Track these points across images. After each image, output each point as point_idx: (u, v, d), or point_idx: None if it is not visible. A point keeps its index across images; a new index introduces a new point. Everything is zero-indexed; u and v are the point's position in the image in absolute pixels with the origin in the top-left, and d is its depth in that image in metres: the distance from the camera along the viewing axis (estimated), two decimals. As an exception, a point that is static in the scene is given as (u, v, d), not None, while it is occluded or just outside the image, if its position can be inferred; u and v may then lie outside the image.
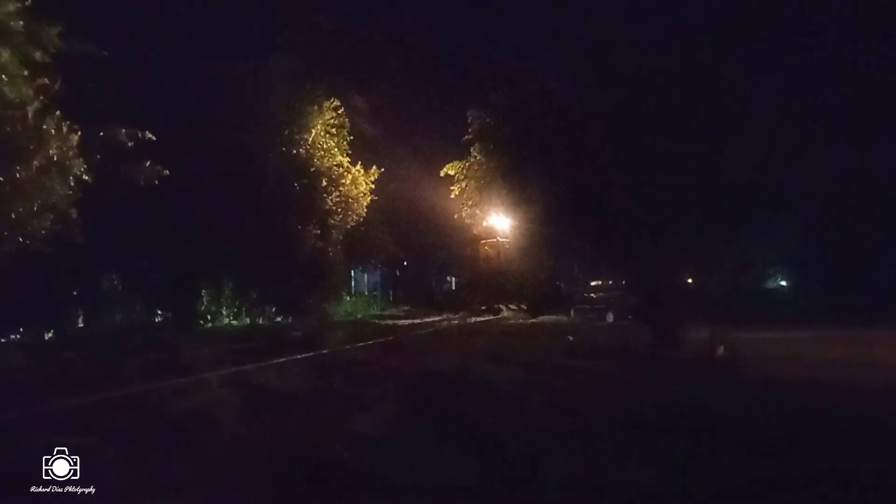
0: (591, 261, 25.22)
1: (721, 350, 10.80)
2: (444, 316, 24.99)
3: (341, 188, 20.47)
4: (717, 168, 13.48)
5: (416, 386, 7.47)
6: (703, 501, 4.03)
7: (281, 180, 18.08)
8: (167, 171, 11.87)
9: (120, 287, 15.36)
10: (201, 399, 6.07)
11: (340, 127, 20.69)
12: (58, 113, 9.13)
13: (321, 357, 9.70)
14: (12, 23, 8.25)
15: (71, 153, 9.27)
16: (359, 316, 23.67)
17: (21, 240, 8.88)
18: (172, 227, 14.60)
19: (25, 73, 8.63)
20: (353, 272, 28.22)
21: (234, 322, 18.14)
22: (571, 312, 25.42)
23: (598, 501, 4.07)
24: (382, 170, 21.90)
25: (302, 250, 18.69)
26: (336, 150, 20.44)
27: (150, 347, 10.94)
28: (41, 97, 9.01)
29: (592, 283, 26.29)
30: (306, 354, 9.75)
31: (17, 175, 8.62)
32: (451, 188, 26.55)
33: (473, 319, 22.65)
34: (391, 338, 14.03)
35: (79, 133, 9.43)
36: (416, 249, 28.62)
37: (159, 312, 16.32)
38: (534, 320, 21.92)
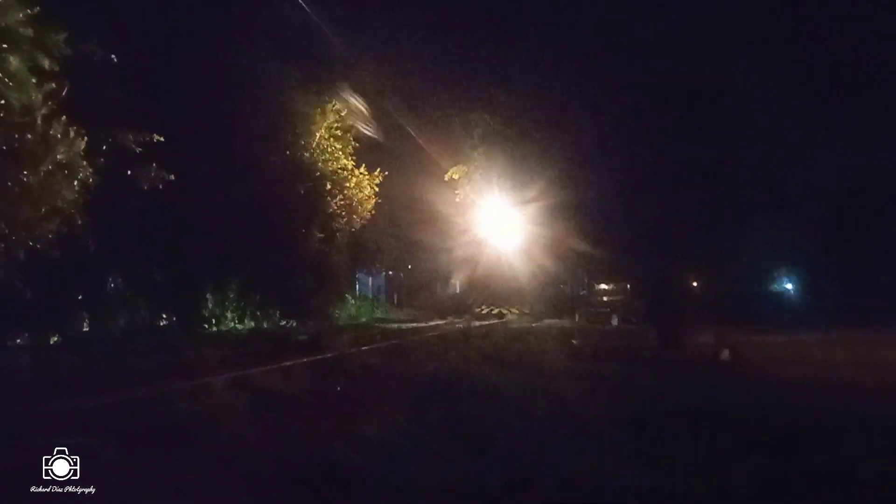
0: (595, 263, 25.23)
1: (726, 353, 10.80)
2: (449, 320, 24.99)
3: (346, 191, 20.51)
4: (722, 170, 13.50)
5: (420, 389, 7.48)
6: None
7: (285, 184, 18.12)
8: (172, 176, 11.92)
9: (125, 290, 15.39)
10: (206, 402, 6.08)
11: (345, 130, 20.74)
12: (64, 118, 9.19)
13: (326, 360, 9.71)
14: (21, 29, 8.31)
15: (78, 158, 9.32)
16: (363, 320, 23.67)
17: (31, 243, 8.93)
18: (177, 231, 14.65)
19: (33, 79, 8.69)
20: (357, 276, 28.25)
21: (238, 326, 18.16)
22: (576, 316, 25.41)
23: (601, 504, 4.08)
24: (386, 173, 21.94)
25: (306, 254, 18.72)
26: (340, 153, 20.48)
27: (154, 351, 10.96)
28: (49, 102, 9.08)
29: (601, 287, 26.29)
30: (311, 358, 9.75)
31: (25, 179, 8.68)
32: (456, 192, 26.63)
33: (478, 323, 22.63)
34: (396, 341, 14.03)
35: (85, 138, 9.49)
36: (421, 253, 28.62)
37: (164, 316, 16.35)
38: (538, 324, 21.88)
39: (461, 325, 21.53)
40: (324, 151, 19.90)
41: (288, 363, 9.15)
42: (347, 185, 20.61)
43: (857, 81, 18.20)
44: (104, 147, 10.45)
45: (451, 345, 13.68)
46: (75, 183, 9.56)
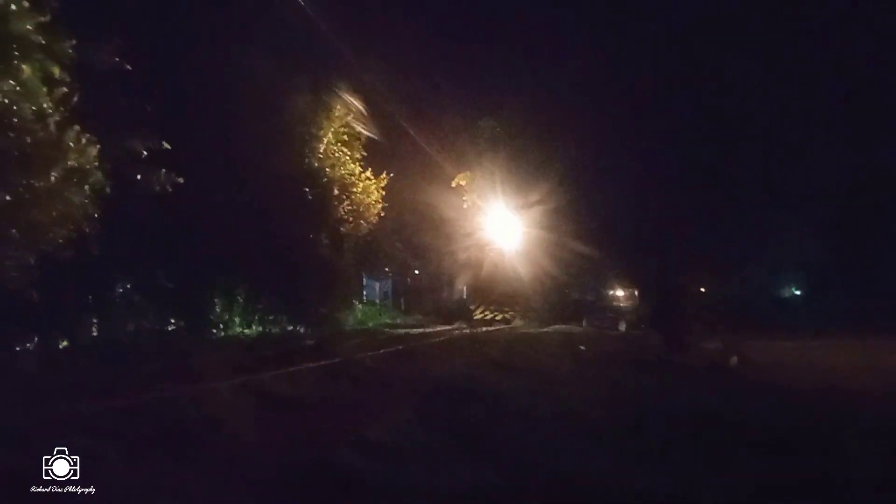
0: (602, 269, 25.20)
1: (733, 358, 10.77)
2: (456, 325, 24.97)
3: (353, 197, 20.56)
4: (729, 174, 13.48)
5: (427, 394, 7.50)
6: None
7: (293, 189, 18.19)
8: (181, 179, 11.98)
9: (132, 295, 15.45)
10: (212, 407, 6.12)
11: (352, 136, 20.80)
12: (76, 127, 9.28)
13: (334, 365, 9.74)
14: (32, 37, 8.40)
15: (89, 164, 9.40)
16: (370, 325, 23.68)
17: (42, 248, 9.00)
18: (185, 236, 14.70)
19: (45, 86, 8.78)
20: (364, 281, 28.28)
21: (246, 331, 18.21)
22: (583, 321, 25.37)
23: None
24: (391, 175, 22.00)
25: (314, 259, 18.76)
26: (348, 158, 20.54)
27: (162, 355, 11.01)
28: (61, 108, 9.17)
29: (608, 292, 26.21)
30: (319, 363, 9.79)
31: (37, 185, 8.76)
32: (464, 199, 26.68)
33: (484, 328, 22.63)
34: (403, 347, 14.04)
35: (97, 146, 9.58)
36: (428, 258, 28.63)
37: (171, 321, 16.39)
38: (545, 329, 21.85)
39: (468, 331, 21.53)
40: (331, 157, 19.96)
41: (295, 368, 9.19)
42: (355, 190, 20.67)
43: (866, 82, 18.06)
44: (114, 153, 10.53)
45: (457, 350, 13.69)
46: (86, 188, 9.64)
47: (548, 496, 4.23)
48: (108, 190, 10.10)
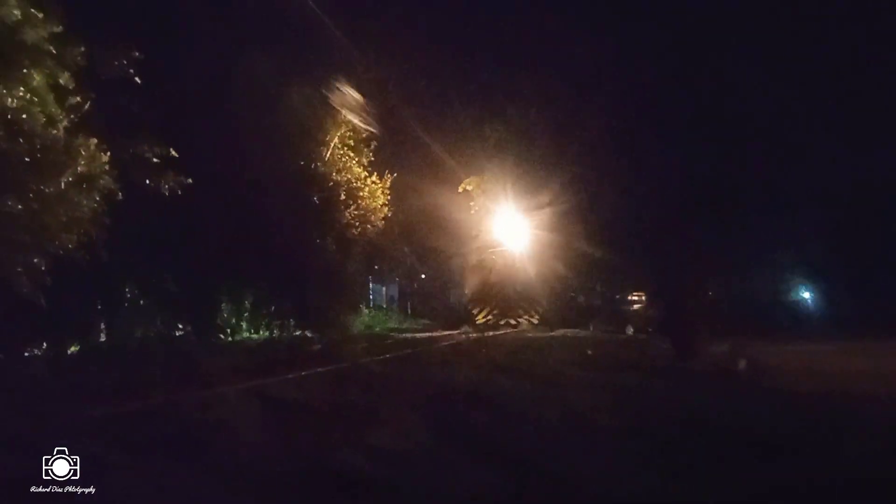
0: (609, 273, 25.13)
1: (742, 363, 10.71)
2: (462, 329, 24.95)
3: (359, 201, 20.60)
4: (738, 178, 13.43)
5: (434, 399, 7.50)
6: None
7: (300, 194, 18.24)
8: (190, 180, 12.04)
9: (141, 300, 15.51)
10: (219, 411, 6.15)
11: (358, 141, 20.86)
12: (85, 133, 9.36)
13: (341, 370, 9.76)
14: (43, 46, 8.49)
15: (99, 169, 9.48)
16: (377, 329, 23.71)
17: (52, 252, 9.07)
18: (192, 241, 14.76)
19: (55, 93, 8.87)
20: (371, 285, 28.30)
21: (253, 335, 18.26)
22: (590, 326, 25.31)
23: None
24: (399, 179, 22.05)
25: (321, 263, 18.80)
26: (354, 162, 20.59)
27: (170, 360, 11.06)
28: (71, 115, 9.26)
29: (616, 297, 26.13)
30: (327, 368, 9.82)
31: (47, 190, 8.84)
32: (471, 204, 26.66)
33: (491, 333, 22.61)
34: (410, 351, 14.06)
35: (108, 152, 9.65)
36: (434, 262, 28.65)
37: (179, 326, 16.46)
38: (552, 334, 21.82)
39: (475, 335, 21.51)
40: (337, 161, 20.02)
41: (302, 373, 9.22)
42: (361, 194, 20.71)
43: (875, 83, 17.90)
44: (123, 158, 10.60)
45: (464, 355, 13.69)
46: (95, 193, 9.71)
47: (555, 501, 4.22)
48: (118, 195, 10.18)
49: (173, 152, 11.58)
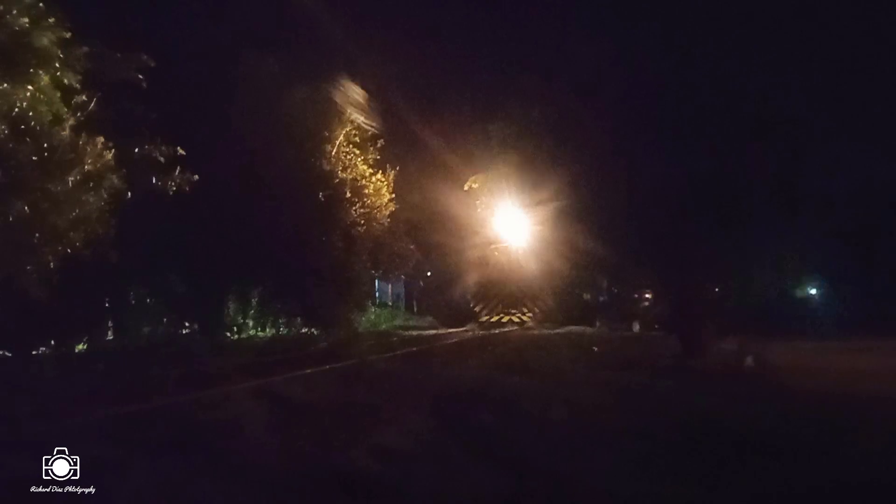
0: (615, 269, 25.04)
1: (749, 360, 10.66)
2: (469, 326, 24.95)
3: (365, 199, 20.62)
4: (745, 174, 13.34)
5: (440, 397, 7.49)
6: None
7: (305, 192, 18.26)
8: (196, 177, 12.06)
9: (148, 299, 15.57)
10: (225, 411, 6.16)
11: (363, 138, 20.87)
12: (91, 132, 9.40)
13: (347, 368, 9.77)
14: (51, 50, 8.53)
15: (106, 168, 9.52)
16: (383, 327, 23.74)
17: (59, 249, 9.11)
18: (199, 240, 14.81)
19: (62, 93, 8.91)
20: (377, 283, 28.31)
21: (259, 333, 18.31)
22: (597, 323, 25.25)
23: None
24: (404, 178, 22.05)
25: (327, 261, 18.82)
26: (359, 160, 20.60)
27: (177, 359, 11.10)
28: (78, 114, 9.30)
29: (621, 294, 26.03)
30: (333, 366, 9.83)
31: (54, 189, 8.88)
32: (477, 202, 26.64)
33: (497, 330, 22.60)
34: (416, 349, 14.07)
35: (112, 150, 9.69)
36: (440, 260, 28.64)
37: (186, 324, 16.52)
38: (558, 331, 21.79)
39: (480, 332, 21.52)
40: (342, 159, 20.03)
41: (309, 371, 9.23)
42: (366, 191, 20.73)
43: (886, 79, 17.71)
44: (130, 158, 10.64)
45: (470, 352, 13.69)
46: (103, 192, 9.75)
47: (561, 501, 4.21)
48: (125, 194, 10.22)
49: (180, 151, 11.61)
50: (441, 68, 25.70)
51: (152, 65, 10.34)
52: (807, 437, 5.43)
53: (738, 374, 10.13)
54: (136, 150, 10.75)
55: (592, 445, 5.44)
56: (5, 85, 8.28)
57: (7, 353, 10.82)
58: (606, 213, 15.37)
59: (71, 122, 9.30)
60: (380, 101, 21.11)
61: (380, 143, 21.96)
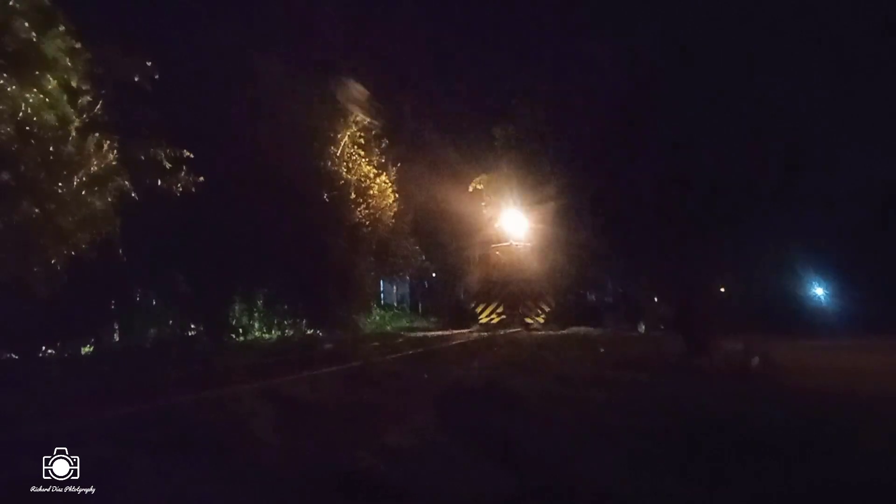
0: (621, 269, 25.00)
1: (755, 360, 10.61)
2: (474, 327, 24.92)
3: (370, 200, 20.65)
4: (750, 172, 13.30)
5: (447, 398, 7.48)
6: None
7: (311, 193, 18.31)
8: (202, 178, 12.11)
9: (154, 301, 15.63)
10: (231, 412, 6.16)
11: (368, 139, 20.91)
12: (97, 134, 9.45)
13: (353, 369, 9.77)
14: (59, 57, 8.59)
15: (111, 169, 9.57)
16: (388, 328, 23.74)
17: (65, 250, 9.16)
18: (205, 241, 14.85)
19: (67, 96, 8.96)
20: (382, 284, 28.34)
21: (265, 335, 18.34)
22: (602, 323, 25.19)
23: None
24: (403, 170, 22.11)
25: (332, 263, 18.85)
26: (364, 161, 20.63)
27: (184, 361, 11.13)
28: (83, 116, 9.35)
29: (626, 293, 25.99)
30: (338, 367, 9.83)
31: (60, 190, 8.92)
32: (482, 203, 26.66)
33: (503, 331, 22.57)
34: (421, 350, 14.06)
35: (118, 152, 9.74)
36: (445, 261, 28.65)
37: (192, 326, 16.56)
38: (564, 331, 21.75)
39: (486, 333, 21.49)
40: (347, 160, 20.07)
41: (315, 372, 9.24)
42: (371, 192, 20.76)
43: (887, 76, 17.57)
44: (136, 159, 10.69)
45: (476, 353, 13.66)
46: (108, 194, 9.80)
47: (568, 501, 4.20)
48: (131, 196, 10.27)
49: (186, 153, 11.66)
50: (445, 69, 25.75)
51: (156, 76, 10.40)
52: (810, 437, 5.41)
53: (744, 374, 10.08)
54: (142, 151, 10.81)
55: (597, 445, 5.42)
56: (12, 87, 8.33)
57: (13, 355, 10.87)
58: (610, 213, 15.36)
59: (77, 123, 9.35)
60: (384, 102, 21.16)
61: (384, 143, 22.02)
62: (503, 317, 26.03)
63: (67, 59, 8.74)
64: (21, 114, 8.48)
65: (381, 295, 28.85)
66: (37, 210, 8.65)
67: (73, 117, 9.21)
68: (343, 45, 19.86)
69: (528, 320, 25.92)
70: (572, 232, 22.51)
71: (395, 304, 30.91)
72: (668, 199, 13.21)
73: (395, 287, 31.57)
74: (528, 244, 26.57)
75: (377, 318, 24.85)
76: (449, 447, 5.27)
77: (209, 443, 5.11)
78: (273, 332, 18.66)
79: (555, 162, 24.07)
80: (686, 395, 7.90)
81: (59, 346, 12.23)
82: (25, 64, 8.48)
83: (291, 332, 18.87)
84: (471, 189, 26.08)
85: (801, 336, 16.68)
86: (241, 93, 16.09)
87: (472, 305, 26.70)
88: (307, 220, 17.86)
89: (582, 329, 22.40)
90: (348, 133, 20.01)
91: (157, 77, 10.43)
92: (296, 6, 18.02)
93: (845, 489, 4.16)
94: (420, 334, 21.01)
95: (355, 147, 20.38)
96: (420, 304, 32.46)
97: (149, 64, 10.31)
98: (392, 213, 21.64)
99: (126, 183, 10.09)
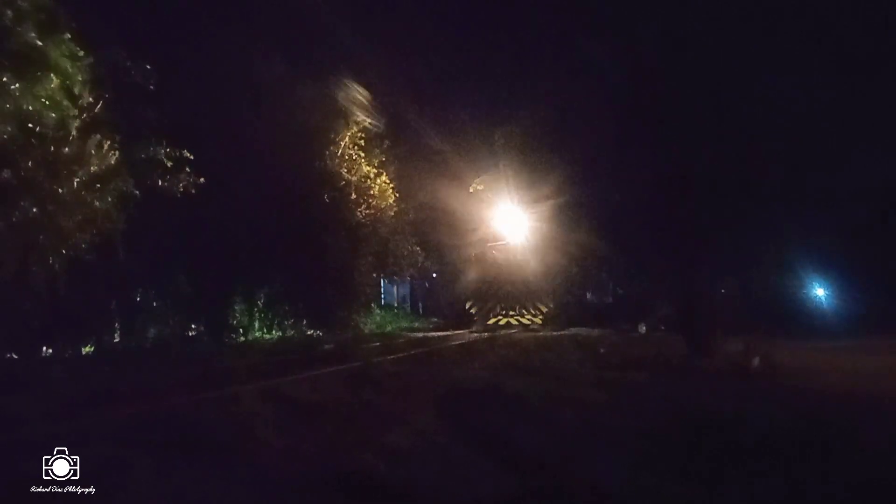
0: (621, 270, 24.99)
1: (757, 361, 10.59)
2: (474, 328, 24.93)
3: (370, 200, 20.67)
4: (752, 172, 13.28)
5: (447, 398, 7.47)
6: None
7: (311, 193, 18.33)
8: (202, 179, 12.13)
9: (155, 301, 15.63)
10: (232, 412, 6.15)
11: (368, 140, 20.92)
12: (97, 135, 9.46)
13: (353, 370, 9.76)
14: (60, 61, 8.62)
15: (111, 170, 9.58)
16: (388, 329, 23.75)
17: (65, 252, 9.17)
18: (206, 241, 14.87)
19: (68, 97, 8.98)
20: (382, 284, 28.36)
21: (266, 335, 18.35)
22: (603, 324, 25.17)
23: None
24: (401, 169, 22.14)
25: (333, 263, 18.87)
26: (364, 161, 20.65)
27: (184, 361, 11.13)
28: (84, 116, 9.36)
29: (627, 294, 25.97)
30: (339, 367, 9.82)
31: (61, 190, 8.93)
32: (482, 203, 26.66)
33: (503, 332, 22.57)
34: (422, 350, 14.06)
35: (119, 152, 9.75)
36: (446, 262, 28.67)
37: (192, 326, 16.57)
38: (564, 332, 21.75)
39: (486, 334, 21.49)
40: (348, 160, 20.09)
41: (315, 372, 9.23)
42: (372, 193, 20.78)
43: (889, 74, 17.52)
44: (136, 160, 10.71)
45: (476, 353, 13.66)
46: (108, 194, 9.82)
47: (570, 502, 4.20)
48: (134, 194, 10.29)
49: (187, 153, 11.68)
50: (446, 70, 25.73)
51: (149, 67, 10.41)
52: (811, 438, 5.40)
53: (745, 375, 10.07)
54: (142, 151, 10.83)
55: (597, 445, 5.42)
56: (14, 86, 8.34)
57: (14, 355, 10.87)
58: (610, 213, 15.35)
59: (78, 124, 9.37)
60: (385, 103, 21.17)
61: (385, 144, 22.03)
62: (502, 317, 26.03)
63: (69, 64, 8.76)
64: (24, 116, 8.50)
65: (382, 295, 28.86)
66: (37, 210, 8.65)
67: (74, 118, 9.23)
68: (343, 45, 19.86)
69: (527, 321, 25.91)
70: (572, 232, 22.49)
71: (396, 305, 30.92)
72: (669, 199, 13.20)
73: (395, 287, 31.58)
74: (530, 246, 26.57)
75: (378, 318, 24.87)
76: (449, 447, 5.27)
77: (209, 443, 5.11)
78: (273, 332, 18.67)
79: (555, 162, 24.06)
80: (686, 396, 7.89)
81: (60, 346, 12.23)
82: (28, 65, 8.50)
83: (292, 333, 18.88)
84: (471, 190, 26.08)
85: (801, 336, 16.67)
86: (241, 93, 16.11)
87: (470, 305, 26.71)
88: (308, 221, 17.87)
89: (582, 330, 22.40)
90: (348, 133, 20.03)
91: (155, 79, 10.44)
92: (296, 7, 18.02)
93: (846, 489, 4.15)
94: (421, 335, 21.02)
95: (355, 147, 20.39)
96: (421, 305, 32.48)
97: (148, 67, 10.34)
98: (392, 214, 21.66)
99: (127, 183, 10.10)
